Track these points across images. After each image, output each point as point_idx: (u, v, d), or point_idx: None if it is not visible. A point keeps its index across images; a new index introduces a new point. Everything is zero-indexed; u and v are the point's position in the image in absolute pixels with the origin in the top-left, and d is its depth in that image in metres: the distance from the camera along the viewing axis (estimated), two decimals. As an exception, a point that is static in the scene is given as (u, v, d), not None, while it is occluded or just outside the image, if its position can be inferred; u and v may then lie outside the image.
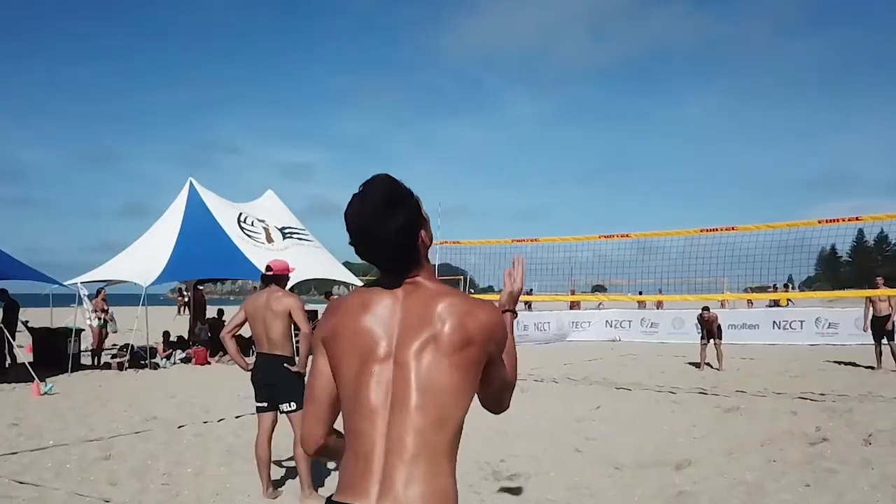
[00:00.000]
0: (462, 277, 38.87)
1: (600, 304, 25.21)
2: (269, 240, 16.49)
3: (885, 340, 12.86)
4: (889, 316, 12.86)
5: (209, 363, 15.35)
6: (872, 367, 13.05)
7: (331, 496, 1.72)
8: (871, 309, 13.08)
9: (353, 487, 1.66)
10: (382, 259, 1.79)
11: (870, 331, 13.12)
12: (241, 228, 16.23)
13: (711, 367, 13.64)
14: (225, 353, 15.74)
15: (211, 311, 18.78)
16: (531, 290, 20.04)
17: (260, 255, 15.80)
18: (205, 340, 16.39)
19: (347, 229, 1.78)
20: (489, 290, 19.73)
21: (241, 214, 16.68)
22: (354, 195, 1.78)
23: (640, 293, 24.22)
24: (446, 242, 12.76)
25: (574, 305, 25.34)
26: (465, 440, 6.43)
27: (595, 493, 5.62)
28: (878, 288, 13.02)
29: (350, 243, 1.80)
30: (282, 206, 18.39)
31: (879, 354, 13.04)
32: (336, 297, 18.37)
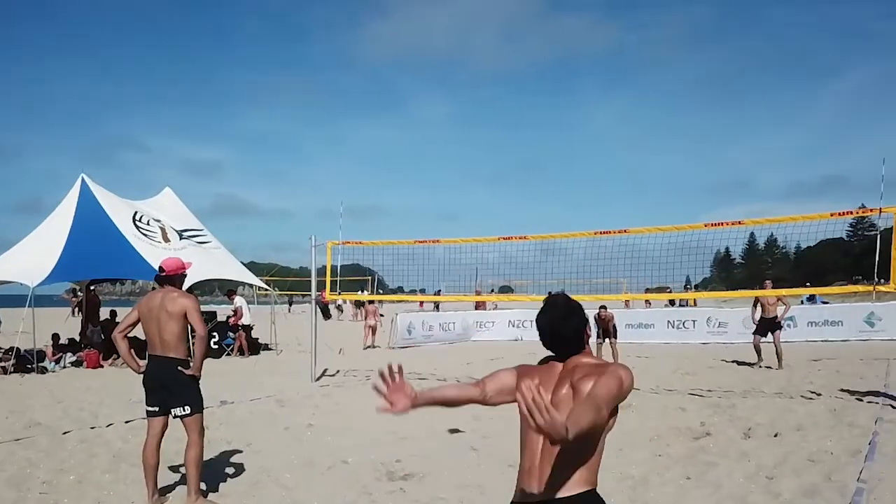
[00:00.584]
0: (370, 278, 38.87)
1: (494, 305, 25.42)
2: (166, 239, 15.99)
3: (769, 338, 13.51)
4: (776, 317, 13.59)
5: (102, 366, 14.77)
6: (752, 364, 13.70)
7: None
8: (758, 310, 13.77)
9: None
10: (562, 348, 2.82)
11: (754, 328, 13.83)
12: (137, 227, 15.66)
13: None
14: (119, 355, 15.24)
15: (107, 313, 18.07)
16: (439, 290, 20.16)
17: (156, 255, 15.29)
18: (97, 343, 15.77)
19: (539, 329, 2.84)
20: (399, 290, 19.77)
21: (136, 213, 16.10)
22: (544, 306, 2.84)
23: (550, 294, 24.66)
24: (348, 243, 12.66)
25: (479, 306, 25.65)
26: (360, 442, 6.45)
27: (486, 491, 5.70)
28: (766, 289, 13.72)
29: (541, 338, 2.84)
30: (180, 204, 17.84)
31: (759, 350, 13.66)
32: (240, 297, 18.02)
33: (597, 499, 2.62)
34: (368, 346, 20.32)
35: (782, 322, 13.81)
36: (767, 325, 13.62)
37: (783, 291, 15.36)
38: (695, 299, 26.55)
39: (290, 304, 42.06)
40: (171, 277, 5.59)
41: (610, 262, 12.77)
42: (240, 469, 6.44)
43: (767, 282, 14.91)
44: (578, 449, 2.51)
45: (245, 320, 17.34)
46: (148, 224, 16.11)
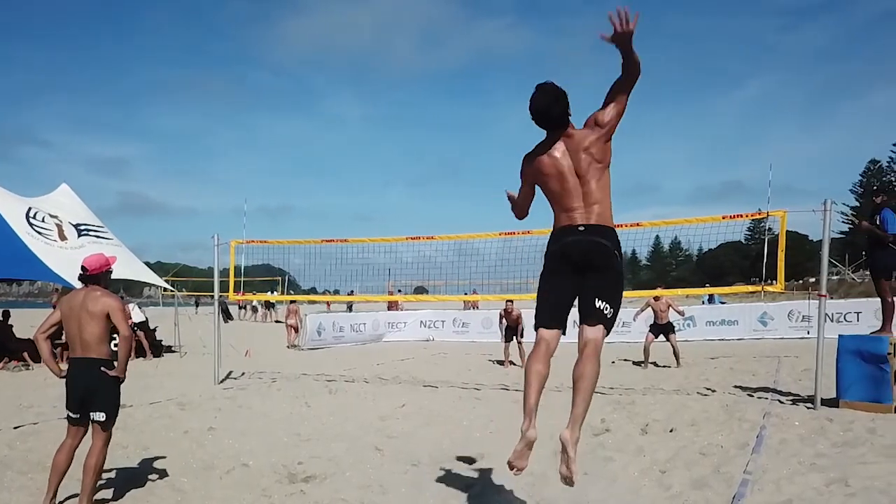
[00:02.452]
0: (281, 278, 38.28)
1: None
2: (63, 237, 15.31)
3: (662, 339, 13.99)
4: (669, 322, 14.09)
5: (-9, 370, 14.05)
6: (641, 363, 14.00)
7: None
8: (646, 313, 14.27)
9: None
10: (554, 124, 4.09)
11: (647, 329, 14.31)
12: (31, 225, 14.94)
13: (514, 364, 14.26)
14: (10, 359, 14.53)
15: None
16: (352, 291, 20.04)
17: (52, 254, 14.68)
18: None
19: (531, 109, 4.05)
20: (312, 290, 19.52)
21: (30, 209, 15.37)
22: (536, 89, 4.05)
23: (475, 292, 24.79)
24: (253, 242, 12.40)
25: (392, 306, 25.62)
26: (261, 445, 6.31)
27: (388, 490, 5.70)
28: (658, 298, 14.14)
29: (532, 117, 4.09)
30: (77, 201, 17.12)
31: (647, 351, 13.96)
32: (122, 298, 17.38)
33: (615, 232, 4.16)
34: (292, 346, 20.25)
35: (674, 323, 14.33)
36: (661, 328, 14.08)
37: (685, 291, 15.98)
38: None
39: (197, 305, 40.98)
40: (95, 276, 5.37)
41: (520, 263, 12.98)
42: (134, 474, 6.22)
43: (660, 287, 15.52)
44: (600, 191, 4.06)
45: (136, 318, 16.61)
46: (43, 221, 15.39)
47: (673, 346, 13.84)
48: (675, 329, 14.48)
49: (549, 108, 4.03)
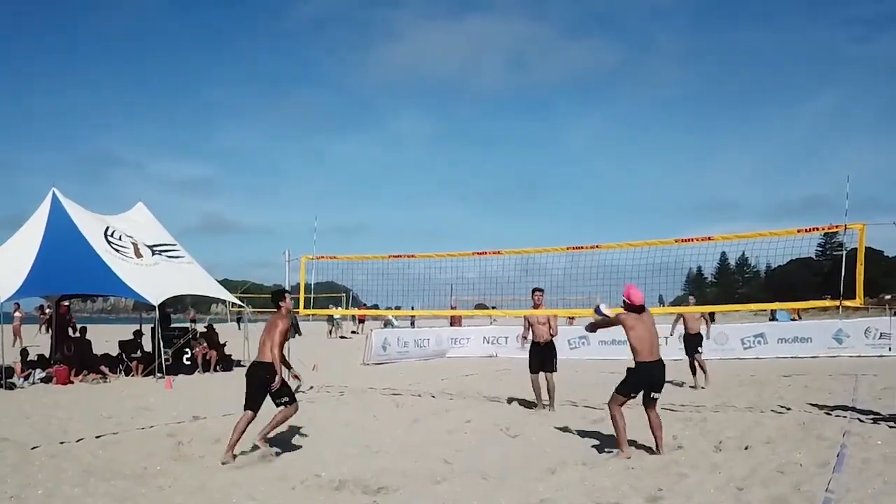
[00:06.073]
0: (344, 294, 38.67)
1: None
2: (138, 255, 15.83)
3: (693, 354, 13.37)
4: (698, 333, 13.46)
5: (72, 382, 14.53)
6: (684, 384, 13.38)
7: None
8: (681, 325, 13.84)
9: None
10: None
11: (682, 346, 13.68)
12: (109, 242, 15.49)
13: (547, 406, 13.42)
14: (89, 371, 15.04)
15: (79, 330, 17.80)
16: (413, 307, 20.12)
17: (129, 271, 15.19)
18: (69, 358, 15.52)
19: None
20: (375, 307, 19.73)
21: (108, 228, 15.94)
22: None
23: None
24: (322, 257, 12.62)
25: (454, 322, 25.66)
26: (332, 457, 6.40)
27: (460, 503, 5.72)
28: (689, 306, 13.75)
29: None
30: (152, 219, 17.69)
31: (694, 370, 13.37)
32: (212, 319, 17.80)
33: None
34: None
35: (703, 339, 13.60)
36: (690, 342, 13.45)
37: (757, 306, 15.64)
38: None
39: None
40: None
41: (585, 280, 12.84)
42: (211, 484, 6.38)
43: (691, 298, 14.99)
44: None
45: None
46: (120, 239, 15.96)
47: (700, 365, 13.19)
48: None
49: None
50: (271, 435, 7.59)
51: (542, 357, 10.85)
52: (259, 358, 7.50)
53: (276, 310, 7.97)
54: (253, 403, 7.41)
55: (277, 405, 7.49)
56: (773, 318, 26.47)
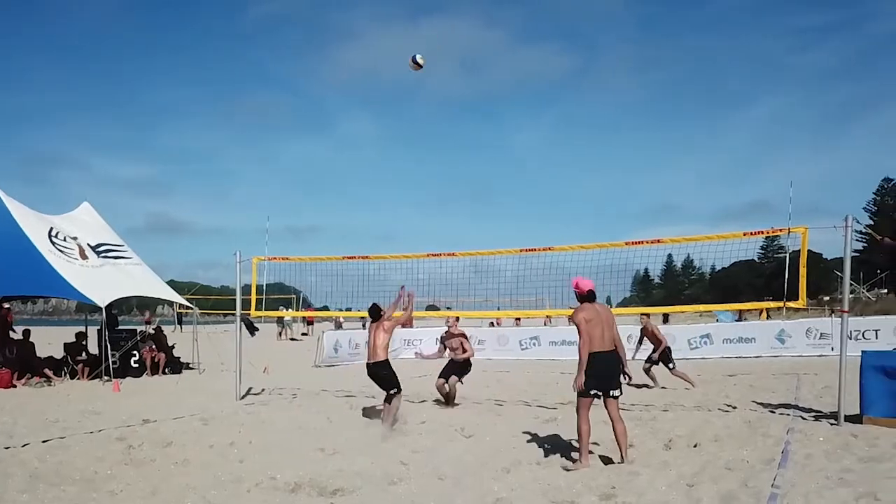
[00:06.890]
0: (294, 296, 38.28)
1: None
2: (83, 256, 15.48)
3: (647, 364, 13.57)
4: (660, 348, 13.48)
5: (14, 386, 14.14)
6: (648, 386, 13.47)
7: None
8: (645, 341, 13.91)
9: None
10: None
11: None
12: (53, 243, 15.12)
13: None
14: (33, 374, 14.63)
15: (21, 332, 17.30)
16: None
17: (74, 272, 14.84)
18: (11, 361, 15.08)
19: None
20: (325, 308, 19.57)
21: (52, 229, 15.55)
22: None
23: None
24: (274, 259, 12.49)
25: (406, 323, 25.58)
26: (287, 459, 6.38)
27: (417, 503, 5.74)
28: (646, 327, 13.92)
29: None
30: (98, 219, 17.32)
31: (650, 373, 13.56)
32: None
33: None
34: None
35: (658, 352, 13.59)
36: (664, 356, 13.52)
37: (704, 307, 16.02)
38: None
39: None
40: None
41: (536, 281, 12.96)
42: (165, 487, 6.30)
43: (643, 317, 14.83)
44: None
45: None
46: (64, 241, 15.58)
47: (678, 375, 13.30)
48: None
49: None
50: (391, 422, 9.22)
51: (454, 371, 11.61)
52: (372, 359, 9.67)
53: (376, 320, 9.88)
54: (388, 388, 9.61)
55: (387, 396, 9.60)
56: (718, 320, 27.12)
